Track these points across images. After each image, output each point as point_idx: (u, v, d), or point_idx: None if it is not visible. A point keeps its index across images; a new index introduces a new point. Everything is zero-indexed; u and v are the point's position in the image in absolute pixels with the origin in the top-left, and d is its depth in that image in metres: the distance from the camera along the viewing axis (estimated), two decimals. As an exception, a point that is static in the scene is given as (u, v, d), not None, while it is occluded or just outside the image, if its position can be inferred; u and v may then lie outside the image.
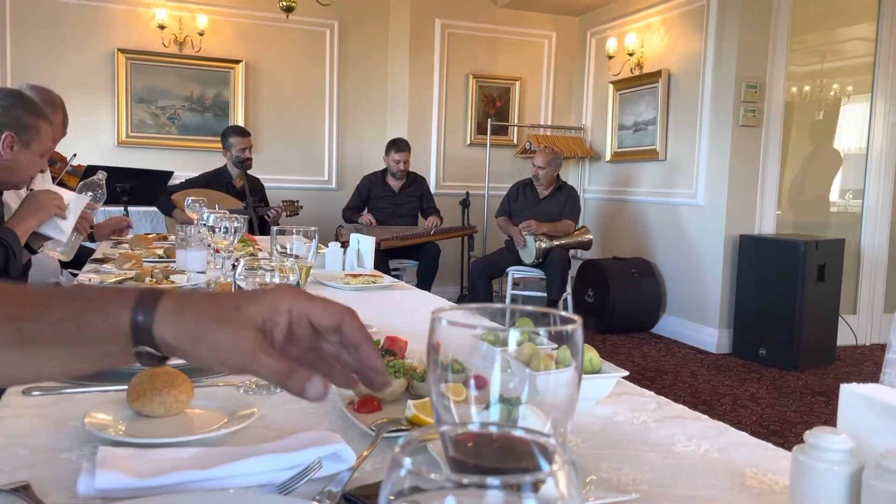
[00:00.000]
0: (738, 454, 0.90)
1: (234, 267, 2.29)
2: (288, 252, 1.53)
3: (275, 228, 1.54)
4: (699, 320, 5.17)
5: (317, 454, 0.78)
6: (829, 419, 3.53)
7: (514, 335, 0.56)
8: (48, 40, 5.44)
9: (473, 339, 0.54)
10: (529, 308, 0.50)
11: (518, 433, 0.42)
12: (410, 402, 0.94)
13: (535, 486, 0.36)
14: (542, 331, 0.48)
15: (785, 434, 3.37)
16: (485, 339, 0.55)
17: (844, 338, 5.10)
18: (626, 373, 1.10)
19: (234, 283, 1.09)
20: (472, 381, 0.55)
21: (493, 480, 0.34)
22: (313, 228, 1.51)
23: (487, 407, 0.55)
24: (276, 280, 1.10)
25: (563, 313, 0.48)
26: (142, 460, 0.76)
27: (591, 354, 1.11)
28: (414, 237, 5.21)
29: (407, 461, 0.35)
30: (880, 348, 5.07)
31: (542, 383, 0.54)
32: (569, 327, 0.49)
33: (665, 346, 5.14)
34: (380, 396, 1.02)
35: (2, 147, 2.06)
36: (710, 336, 5.05)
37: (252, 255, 2.53)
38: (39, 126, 2.12)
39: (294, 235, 1.57)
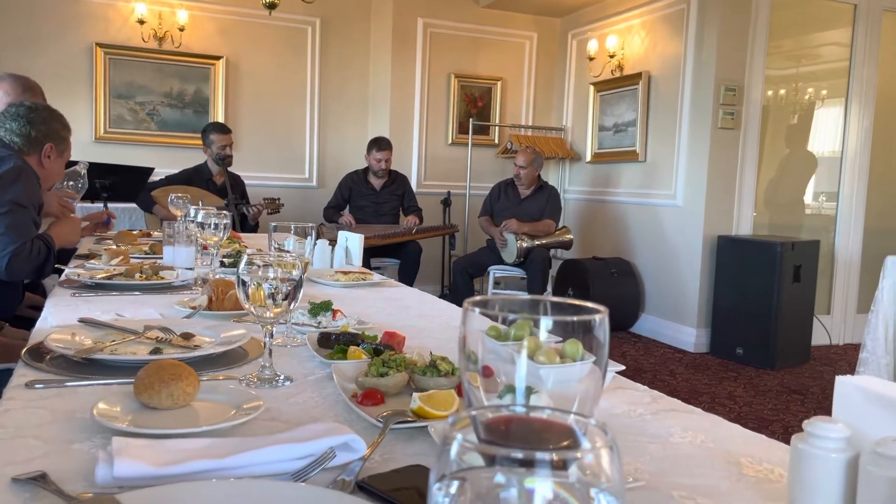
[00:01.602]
0: (733, 445, 0.93)
1: (222, 263, 2.31)
2: (284, 248, 1.54)
3: (272, 225, 1.55)
4: (678, 320, 5.23)
5: (329, 444, 0.80)
6: (805, 417, 3.60)
7: (514, 330, 0.58)
8: (26, 33, 5.37)
9: (482, 333, 0.57)
10: (555, 299, 0.52)
11: (554, 415, 0.45)
12: (416, 395, 0.96)
13: (576, 465, 0.38)
14: (570, 319, 0.50)
15: (762, 431, 3.43)
16: (489, 333, 0.58)
17: (819, 337, 5.20)
18: (622, 367, 1.13)
19: (238, 277, 1.10)
20: (484, 371, 0.58)
21: (541, 455, 0.36)
22: (311, 225, 1.53)
23: (501, 396, 0.58)
24: (279, 275, 1.11)
25: (589, 304, 0.51)
26: (158, 450, 0.77)
27: (580, 347, 1.15)
28: (396, 235, 5.22)
29: (458, 437, 0.37)
30: (854, 348, 5.18)
31: (549, 376, 0.57)
32: (595, 317, 0.51)
33: (644, 346, 5.21)
34: (382, 390, 1.04)
35: (44, 157, 2.28)
36: (689, 335, 5.12)
37: (239, 252, 2.53)
38: (69, 138, 2.37)
39: (290, 233, 1.57)
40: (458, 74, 6.35)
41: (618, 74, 5.80)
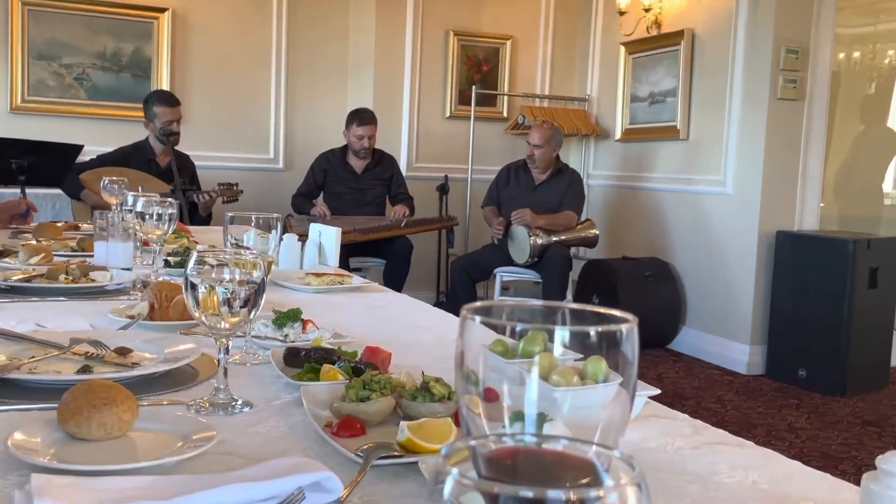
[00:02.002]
0: (792, 486, 0.94)
1: (166, 262, 2.31)
2: (243, 244, 1.54)
3: (228, 215, 1.55)
4: (726, 334, 5.25)
5: (298, 483, 0.80)
6: (881, 453, 3.61)
7: (523, 344, 0.59)
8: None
9: (484, 348, 0.58)
10: (574, 306, 0.52)
11: (572, 446, 0.45)
12: (404, 424, 0.96)
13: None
14: (591, 331, 0.51)
15: (828, 470, 3.44)
16: (493, 349, 0.58)
17: (899, 356, 5.22)
18: (657, 391, 1.13)
19: (186, 280, 1.10)
20: (487, 395, 0.58)
21: (555, 494, 0.36)
22: (276, 216, 1.53)
23: (507, 425, 0.58)
24: (237, 276, 1.12)
25: (616, 312, 0.51)
26: (86, 490, 0.78)
27: (603, 365, 1.15)
28: (381, 230, 5.23)
29: (454, 472, 0.38)
30: (942, 369, 5.19)
31: (565, 400, 0.57)
32: (622, 327, 0.51)
33: (685, 366, 5.22)
34: (363, 418, 1.05)
35: None
36: (740, 353, 5.14)
37: (188, 248, 2.53)
38: None
39: (250, 226, 1.58)
40: (459, 32, 6.35)
41: (654, 32, 5.82)
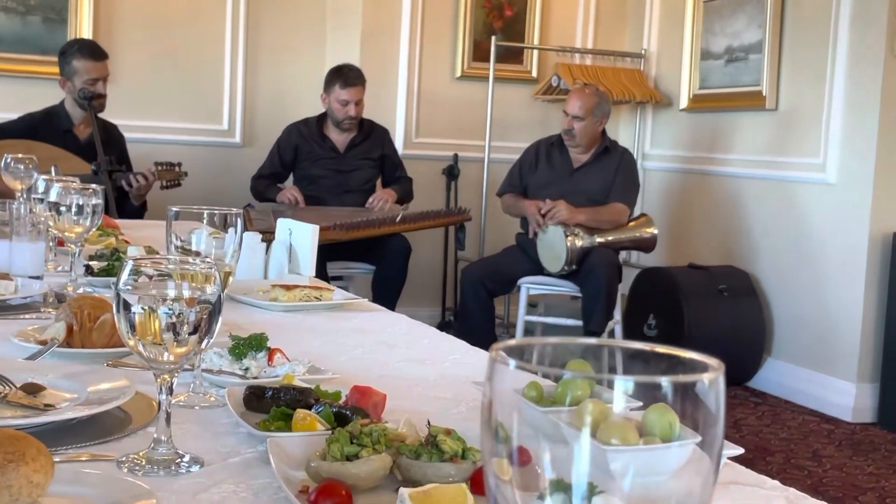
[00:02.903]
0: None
1: (88, 270, 2.32)
2: (191, 247, 1.54)
3: (172, 209, 1.55)
4: (825, 369, 5.23)
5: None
6: None
7: (560, 386, 0.58)
8: None
9: (517, 395, 0.57)
10: (637, 344, 0.52)
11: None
12: (404, 492, 0.96)
13: None
14: (663, 381, 0.51)
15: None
16: (526, 394, 0.58)
17: None
18: (740, 450, 1.13)
19: (118, 297, 1.10)
20: (517, 456, 0.58)
21: None
22: (235, 211, 1.53)
23: (542, 496, 0.58)
24: (185, 293, 1.12)
25: (693, 354, 0.51)
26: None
27: (672, 418, 1.15)
28: (369, 226, 5.22)
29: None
30: None
31: (624, 466, 0.57)
32: (704, 378, 0.51)
33: (771, 410, 5.20)
34: (350, 482, 1.05)
35: None
36: (843, 395, 5.12)
37: (116, 251, 2.54)
38: None
39: (200, 223, 1.58)
40: (474, -35, 6.36)
41: (734, -32, 5.80)
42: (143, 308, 1.10)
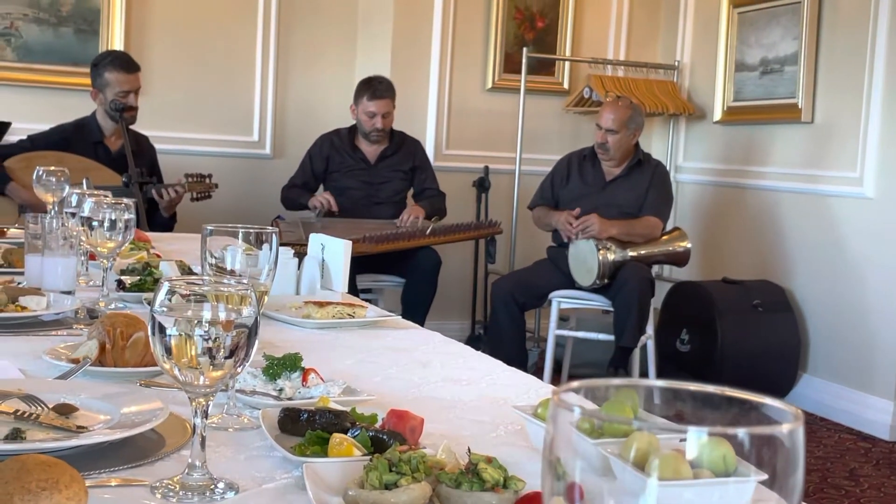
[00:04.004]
0: None
1: (120, 285, 2.31)
2: (225, 265, 1.53)
3: (208, 228, 1.54)
4: (863, 386, 5.18)
5: None
6: None
7: (606, 408, 0.57)
8: None
9: (571, 427, 0.56)
10: (708, 388, 0.50)
11: None
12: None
13: None
14: (740, 434, 0.48)
15: None
16: (580, 427, 0.56)
17: None
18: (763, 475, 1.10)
19: (153, 319, 1.09)
20: (571, 493, 0.56)
21: None
22: (269, 229, 1.52)
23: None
24: (222, 315, 1.10)
25: (768, 399, 0.49)
26: None
27: (726, 450, 1.12)
28: (399, 239, 5.22)
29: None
30: None
31: (671, 498, 0.55)
32: (782, 430, 0.49)
33: (806, 427, 5.12)
34: (387, 511, 1.03)
35: None
36: (881, 412, 5.07)
37: (148, 266, 2.53)
38: None
39: (235, 239, 1.57)
40: (506, -24, 6.35)
41: (769, -21, 5.78)
42: (178, 332, 1.09)
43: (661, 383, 0.53)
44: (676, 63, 6.56)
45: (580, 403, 0.53)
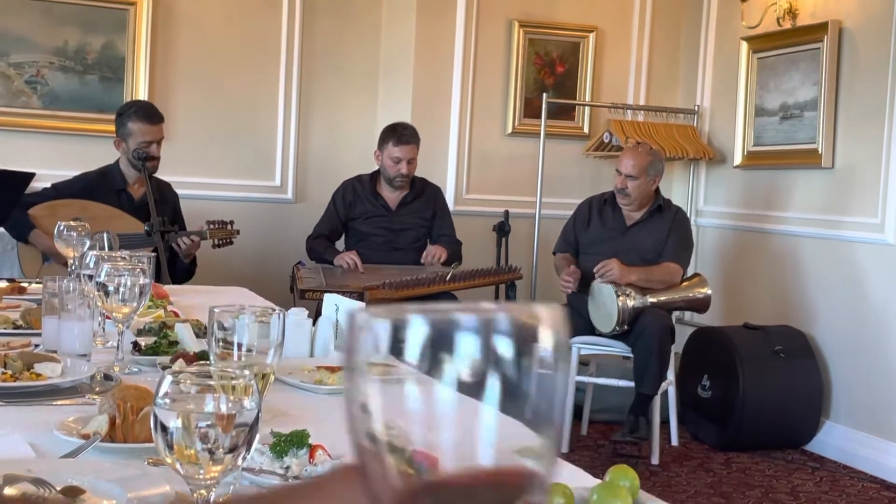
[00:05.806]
0: None
1: (136, 347, 2.33)
2: (234, 342, 1.54)
3: (216, 309, 1.55)
4: (886, 434, 5.13)
5: None
6: None
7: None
8: None
9: None
10: None
11: None
12: None
13: None
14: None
15: None
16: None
17: None
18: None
19: (155, 418, 1.10)
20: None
21: None
22: (277, 310, 1.53)
23: None
24: (222, 408, 1.11)
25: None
26: None
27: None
28: (419, 285, 5.21)
29: None
30: None
31: None
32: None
33: (829, 476, 5.11)
34: None
35: None
36: (906, 461, 5.03)
37: (165, 325, 2.55)
38: None
39: (243, 312, 1.58)
40: (525, 22, 6.38)
41: (788, 25, 5.78)
42: (179, 427, 1.09)
43: None
44: (696, 108, 6.56)
45: None
